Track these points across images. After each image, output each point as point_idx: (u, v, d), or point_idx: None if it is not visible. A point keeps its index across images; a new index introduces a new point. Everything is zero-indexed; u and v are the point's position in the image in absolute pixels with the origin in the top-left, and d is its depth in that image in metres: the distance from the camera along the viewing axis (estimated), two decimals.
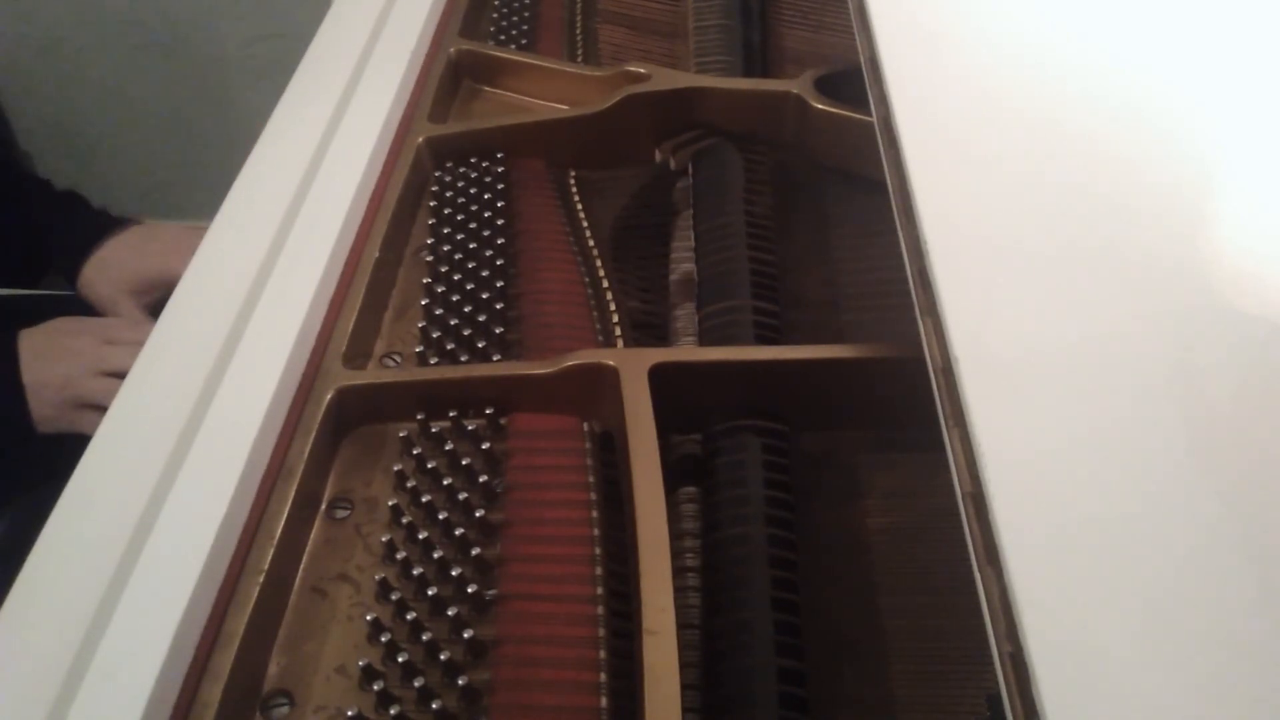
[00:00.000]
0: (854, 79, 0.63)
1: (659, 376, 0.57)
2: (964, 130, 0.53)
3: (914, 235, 0.49)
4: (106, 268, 1.00)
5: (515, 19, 0.92)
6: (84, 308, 1.03)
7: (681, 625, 0.47)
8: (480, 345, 0.63)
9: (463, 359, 0.62)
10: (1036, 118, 0.53)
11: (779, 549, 0.52)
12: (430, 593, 0.51)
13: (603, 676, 0.48)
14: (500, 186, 0.74)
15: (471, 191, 0.74)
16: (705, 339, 0.64)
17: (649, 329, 0.69)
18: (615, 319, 0.66)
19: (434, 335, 0.63)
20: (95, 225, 1.03)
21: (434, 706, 0.47)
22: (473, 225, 0.71)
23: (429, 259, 0.69)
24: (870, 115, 0.59)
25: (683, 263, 0.69)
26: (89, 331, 0.92)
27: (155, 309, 1.00)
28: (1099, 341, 0.43)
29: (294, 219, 0.67)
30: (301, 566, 0.54)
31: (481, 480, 0.55)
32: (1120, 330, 0.43)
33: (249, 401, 0.55)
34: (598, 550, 0.52)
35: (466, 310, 0.65)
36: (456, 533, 0.53)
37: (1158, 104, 0.53)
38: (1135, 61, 0.56)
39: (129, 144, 1.89)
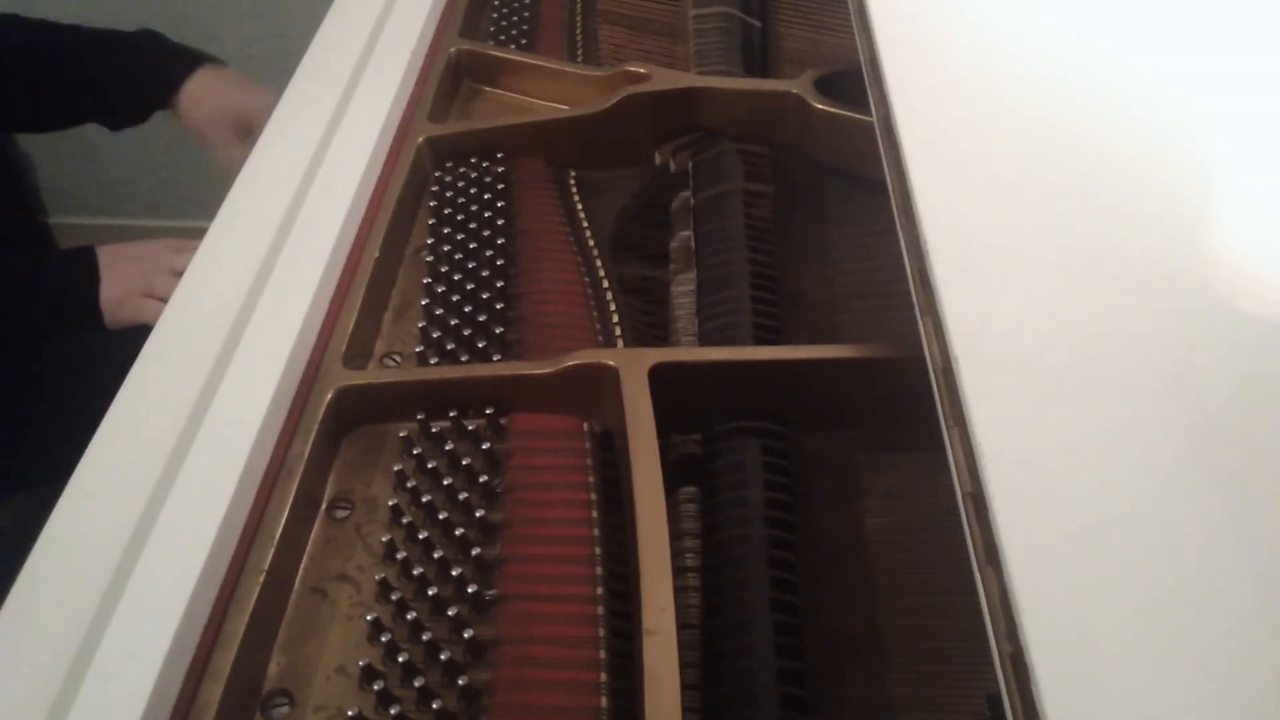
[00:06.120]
0: (854, 79, 0.63)
1: (659, 376, 0.57)
2: (964, 130, 0.53)
3: (914, 235, 0.49)
4: (203, 98, 1.08)
5: (515, 19, 0.92)
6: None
7: (681, 625, 0.47)
8: (480, 345, 0.63)
9: (463, 359, 0.62)
10: (1036, 118, 0.53)
11: (778, 549, 0.52)
12: (430, 593, 0.51)
13: (603, 676, 0.48)
14: (500, 186, 0.74)
15: (471, 191, 0.74)
16: (705, 339, 0.64)
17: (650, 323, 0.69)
18: (615, 319, 0.66)
19: (434, 335, 0.63)
20: (183, 58, 1.10)
21: (434, 706, 0.47)
22: (473, 225, 0.71)
23: (429, 259, 0.69)
24: (870, 115, 0.59)
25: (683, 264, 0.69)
26: (162, 239, 1.00)
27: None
28: (1099, 341, 0.43)
29: (294, 219, 0.67)
30: (301, 566, 0.54)
31: (481, 480, 0.55)
32: (1120, 330, 0.43)
33: (249, 401, 0.55)
34: (598, 550, 0.52)
35: (466, 310, 0.65)
36: (456, 533, 0.53)
37: (1157, 104, 0.53)
38: (1135, 62, 0.56)
39: (129, 144, 1.88)
